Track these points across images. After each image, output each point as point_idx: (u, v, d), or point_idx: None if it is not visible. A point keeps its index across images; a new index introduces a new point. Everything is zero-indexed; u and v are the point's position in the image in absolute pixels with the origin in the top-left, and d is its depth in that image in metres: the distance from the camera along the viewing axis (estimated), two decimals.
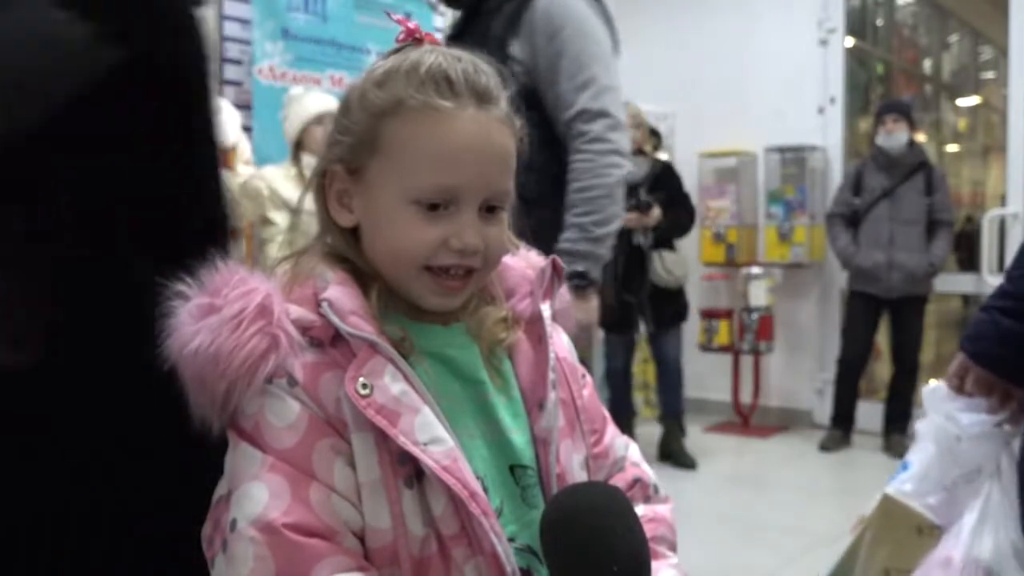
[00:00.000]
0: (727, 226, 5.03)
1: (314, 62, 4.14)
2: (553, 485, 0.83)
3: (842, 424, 4.57)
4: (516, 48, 1.76)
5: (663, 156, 4.48)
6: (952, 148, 7.53)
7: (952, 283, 4.85)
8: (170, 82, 0.86)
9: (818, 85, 5.01)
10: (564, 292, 0.94)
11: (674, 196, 4.23)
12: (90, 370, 0.82)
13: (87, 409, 0.82)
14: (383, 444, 0.75)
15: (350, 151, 0.82)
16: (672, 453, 4.24)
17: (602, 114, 1.76)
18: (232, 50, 4.03)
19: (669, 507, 0.95)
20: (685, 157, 4.93)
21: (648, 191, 4.15)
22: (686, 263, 4.30)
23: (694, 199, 4.54)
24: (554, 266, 0.89)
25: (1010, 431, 1.42)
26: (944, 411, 1.45)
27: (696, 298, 4.51)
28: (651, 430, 4.40)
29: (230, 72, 3.99)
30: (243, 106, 3.72)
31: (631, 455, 0.96)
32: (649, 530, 0.85)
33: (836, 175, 4.93)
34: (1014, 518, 1.36)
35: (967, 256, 5.48)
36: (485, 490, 0.78)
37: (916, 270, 4.30)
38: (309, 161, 3.31)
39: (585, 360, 1.07)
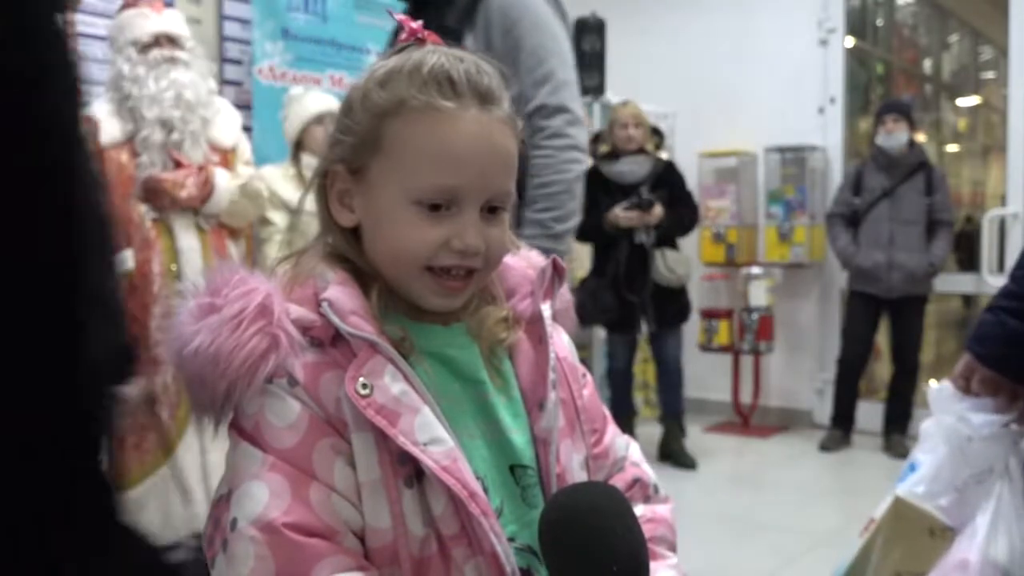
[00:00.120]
0: (727, 226, 5.03)
1: (314, 62, 4.14)
2: (553, 485, 0.83)
3: (842, 424, 4.56)
4: (470, 42, 1.74)
5: (664, 155, 4.47)
6: (952, 148, 7.53)
7: (952, 283, 4.85)
8: (22, 95, 0.76)
9: (818, 85, 5.01)
10: (565, 292, 0.94)
11: (677, 194, 4.22)
12: None
13: None
14: (383, 444, 0.75)
15: (352, 151, 0.82)
16: (672, 453, 4.24)
17: (561, 109, 1.75)
18: (232, 50, 4.03)
19: (669, 507, 0.95)
20: (685, 157, 4.92)
21: (650, 190, 4.15)
22: (688, 262, 4.29)
23: (694, 199, 4.53)
24: (555, 266, 0.89)
25: (1018, 431, 1.42)
26: (954, 411, 1.45)
27: (696, 298, 4.51)
28: (651, 430, 4.40)
29: (230, 72, 3.99)
30: (243, 106, 3.71)
31: (631, 455, 0.96)
32: (648, 530, 0.85)
33: (836, 175, 4.93)
34: None
35: (967, 256, 5.49)
36: (485, 490, 0.78)
37: (916, 270, 4.30)
38: (309, 161, 3.31)
39: (585, 360, 1.07)
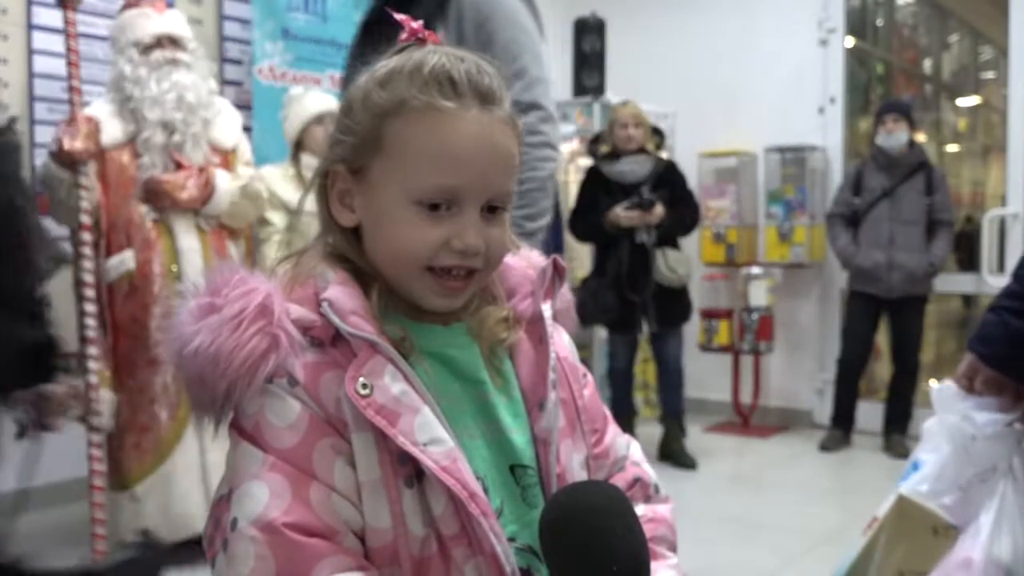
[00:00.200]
0: (727, 226, 5.02)
1: (314, 62, 4.14)
2: (553, 485, 0.83)
3: (842, 424, 4.56)
4: (441, 36, 1.73)
5: (665, 155, 4.46)
6: (952, 148, 7.53)
7: (952, 283, 4.85)
8: None
9: (818, 85, 5.01)
10: (565, 292, 0.94)
11: (678, 194, 4.21)
12: None
13: None
14: (383, 444, 0.75)
15: (352, 151, 0.82)
16: (672, 453, 4.24)
17: (534, 106, 1.73)
18: (232, 50, 4.03)
19: (670, 507, 0.95)
20: (685, 157, 4.92)
21: (651, 189, 4.14)
22: (689, 262, 4.29)
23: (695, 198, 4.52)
24: (555, 266, 0.89)
25: (1022, 430, 1.42)
26: (958, 410, 1.45)
27: (696, 298, 4.50)
28: (651, 430, 4.40)
29: (230, 72, 3.99)
30: (243, 106, 3.72)
31: (632, 454, 0.97)
32: (649, 530, 0.85)
33: (836, 175, 4.93)
34: None
35: (967, 256, 5.48)
36: (485, 490, 0.78)
37: (916, 270, 4.30)
38: (309, 161, 3.31)
39: (585, 359, 1.07)
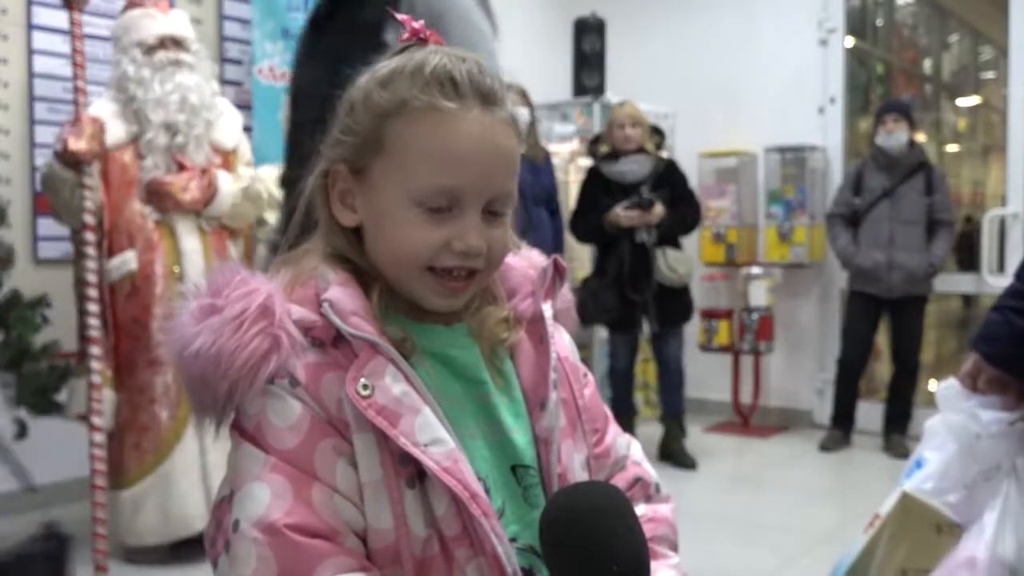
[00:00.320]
0: (727, 226, 5.02)
1: None
2: (555, 485, 0.83)
3: (842, 424, 4.56)
4: (392, 36, 1.67)
5: (665, 155, 4.46)
6: (952, 148, 7.53)
7: (952, 283, 4.86)
8: None
9: (818, 85, 5.01)
10: (566, 292, 0.94)
11: (679, 193, 4.21)
12: None
13: None
14: (384, 444, 0.75)
15: (354, 151, 0.82)
16: (672, 453, 4.24)
17: None
18: (232, 50, 4.04)
19: (670, 506, 0.95)
20: (685, 157, 4.92)
21: (651, 189, 4.14)
22: (690, 261, 4.28)
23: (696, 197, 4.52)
24: (556, 266, 0.89)
25: None
26: (963, 409, 1.45)
27: (696, 298, 4.50)
28: (651, 430, 4.40)
29: (230, 72, 3.99)
30: (243, 106, 3.72)
31: (633, 454, 0.97)
32: (649, 530, 0.85)
33: (836, 175, 4.93)
34: None
35: (967, 256, 5.49)
36: (487, 491, 0.78)
37: (916, 270, 4.30)
38: None
39: (586, 359, 1.07)
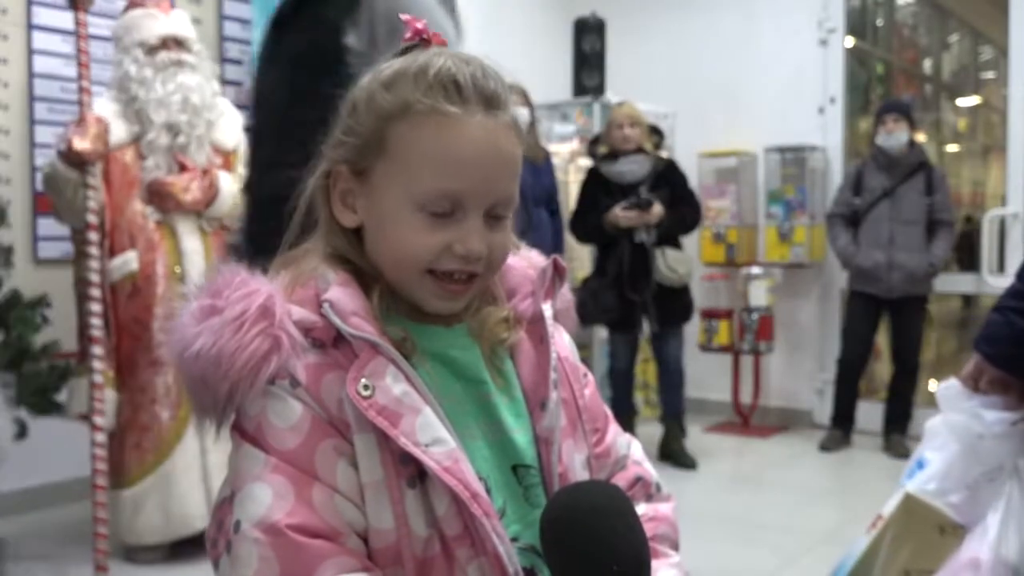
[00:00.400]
0: (727, 226, 5.02)
1: None
2: (555, 484, 0.83)
3: (842, 424, 4.56)
4: (353, 38, 1.66)
5: (664, 154, 4.46)
6: (952, 148, 7.53)
7: (952, 283, 4.86)
8: None
9: (818, 85, 5.01)
10: (565, 292, 0.94)
11: (679, 193, 4.21)
12: None
13: None
14: (385, 445, 0.75)
15: (356, 152, 0.82)
16: (672, 453, 4.24)
17: None
18: (232, 50, 4.03)
19: (671, 505, 0.95)
20: (685, 157, 4.92)
21: (650, 189, 4.14)
22: (689, 261, 4.28)
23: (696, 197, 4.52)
24: (555, 266, 0.89)
25: None
26: (965, 409, 1.45)
27: (696, 298, 4.50)
28: (651, 430, 4.40)
29: (230, 72, 3.99)
30: (243, 106, 3.71)
31: (633, 453, 0.97)
32: (650, 529, 0.86)
33: (836, 175, 4.93)
34: None
35: (967, 256, 5.49)
36: (488, 491, 0.78)
37: (916, 270, 4.30)
38: None
39: (586, 359, 1.07)
